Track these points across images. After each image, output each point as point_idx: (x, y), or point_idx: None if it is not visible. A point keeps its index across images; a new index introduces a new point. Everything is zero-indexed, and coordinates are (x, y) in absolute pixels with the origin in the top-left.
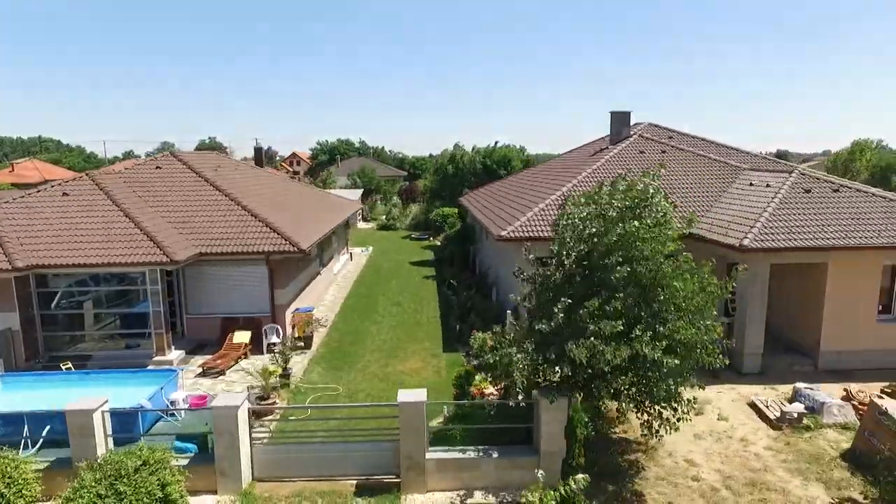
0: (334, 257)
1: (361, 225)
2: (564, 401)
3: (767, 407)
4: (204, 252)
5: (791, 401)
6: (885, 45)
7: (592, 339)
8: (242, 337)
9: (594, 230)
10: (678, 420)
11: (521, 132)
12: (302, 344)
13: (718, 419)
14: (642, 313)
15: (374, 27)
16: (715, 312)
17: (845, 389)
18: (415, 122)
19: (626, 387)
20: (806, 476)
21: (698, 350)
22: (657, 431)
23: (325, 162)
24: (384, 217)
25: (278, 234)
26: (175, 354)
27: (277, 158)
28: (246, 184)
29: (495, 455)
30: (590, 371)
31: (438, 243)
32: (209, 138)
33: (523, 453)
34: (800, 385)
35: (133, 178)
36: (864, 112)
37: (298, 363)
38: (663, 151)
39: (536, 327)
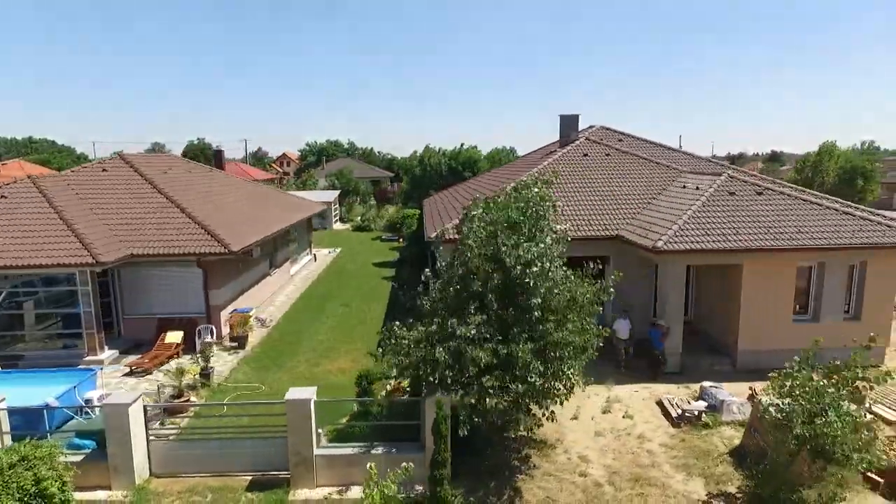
0: (292, 258)
1: (338, 226)
2: (445, 399)
3: (672, 405)
4: (136, 253)
5: (698, 399)
6: (877, 44)
7: (458, 341)
8: (174, 337)
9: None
10: (544, 416)
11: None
12: (236, 344)
13: (624, 417)
14: (525, 316)
15: (370, 27)
16: (591, 317)
17: (750, 388)
18: (419, 124)
19: (492, 385)
20: (690, 471)
21: (571, 350)
22: (530, 428)
23: (312, 163)
24: (359, 218)
25: (212, 235)
26: (107, 354)
27: (267, 159)
28: (194, 187)
29: (383, 451)
30: (462, 372)
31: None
32: (198, 139)
33: (410, 450)
34: (706, 384)
35: (78, 181)
36: (858, 111)
37: (229, 363)
38: (607, 154)
39: (416, 329)
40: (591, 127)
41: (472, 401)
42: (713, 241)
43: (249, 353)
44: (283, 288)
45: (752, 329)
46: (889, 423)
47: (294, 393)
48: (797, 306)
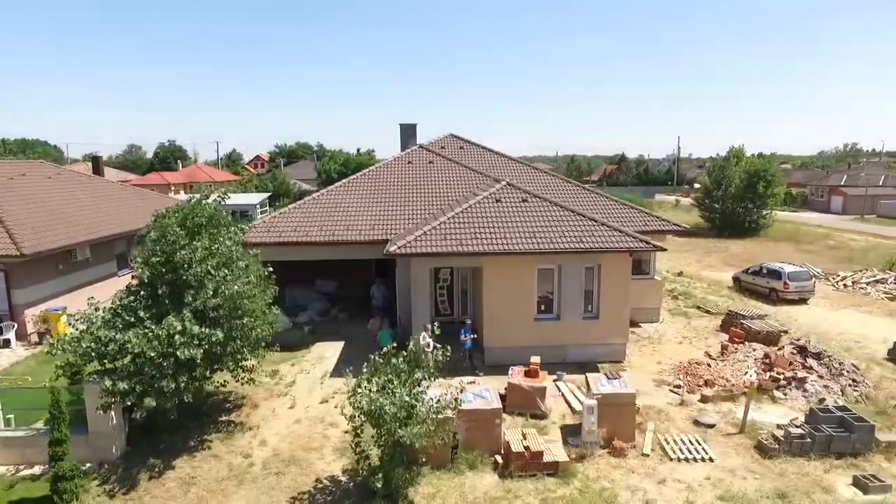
0: None
1: None
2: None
3: None
4: None
5: None
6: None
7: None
8: None
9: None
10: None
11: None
12: (37, 339)
13: (335, 407)
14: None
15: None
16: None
17: (471, 382)
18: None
19: (129, 372)
20: (342, 455)
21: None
22: (165, 413)
23: (282, 164)
24: None
25: (11, 238)
26: None
27: (241, 161)
28: (39, 193)
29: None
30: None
31: None
32: (168, 141)
33: (80, 432)
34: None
35: None
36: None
37: (17, 357)
38: (430, 162)
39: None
40: (449, 135)
41: (108, 384)
42: (446, 246)
43: (47, 347)
44: None
45: (497, 327)
46: (575, 410)
47: None
48: (542, 306)
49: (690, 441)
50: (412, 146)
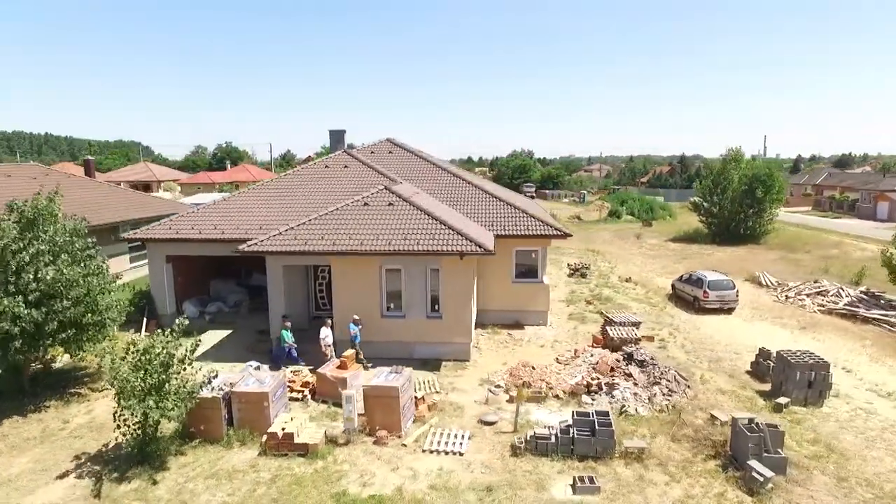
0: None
1: None
2: None
3: None
4: None
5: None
6: None
7: None
8: None
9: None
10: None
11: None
12: None
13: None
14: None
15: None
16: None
17: (295, 370)
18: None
19: None
20: None
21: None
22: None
23: None
24: None
25: None
26: None
27: (294, 161)
28: (15, 193)
29: None
30: None
31: None
32: (226, 142)
33: None
34: (252, 363)
35: None
36: None
37: None
38: (345, 166)
39: None
40: (385, 140)
41: None
42: (294, 245)
43: None
44: None
45: (347, 323)
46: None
47: None
48: (391, 305)
49: (455, 436)
50: (339, 149)
